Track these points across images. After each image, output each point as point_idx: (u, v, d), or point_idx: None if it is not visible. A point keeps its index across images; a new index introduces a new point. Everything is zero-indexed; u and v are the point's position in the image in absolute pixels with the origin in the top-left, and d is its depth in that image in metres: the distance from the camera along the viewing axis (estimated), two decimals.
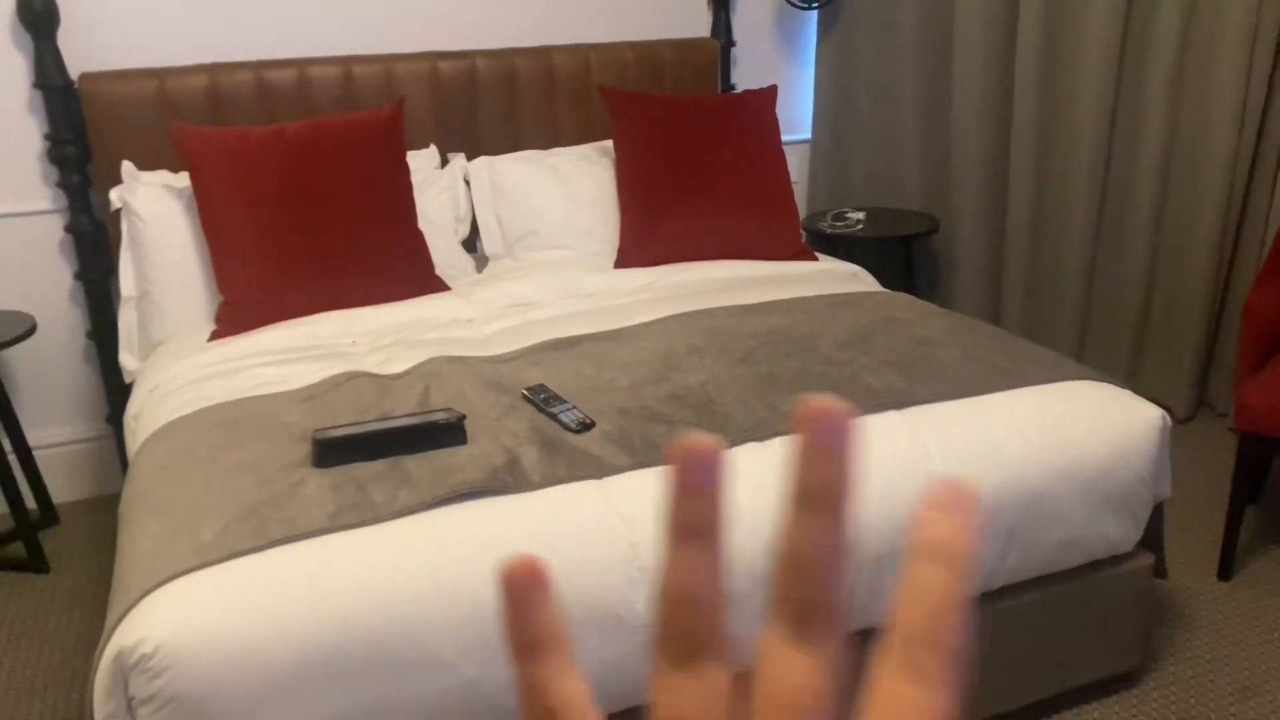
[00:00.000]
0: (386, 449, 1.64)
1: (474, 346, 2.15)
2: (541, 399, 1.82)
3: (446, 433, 1.68)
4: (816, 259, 2.67)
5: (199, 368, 2.10)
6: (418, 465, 1.59)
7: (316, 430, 1.70)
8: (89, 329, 2.78)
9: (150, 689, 1.27)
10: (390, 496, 1.50)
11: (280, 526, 1.42)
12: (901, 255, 3.29)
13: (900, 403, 1.76)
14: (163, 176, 2.49)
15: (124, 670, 1.28)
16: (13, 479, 2.49)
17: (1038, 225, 3.19)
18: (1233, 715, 1.92)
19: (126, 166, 2.47)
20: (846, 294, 2.35)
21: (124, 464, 2.88)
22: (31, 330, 2.46)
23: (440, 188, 2.65)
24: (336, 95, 2.70)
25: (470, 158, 2.78)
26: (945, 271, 3.45)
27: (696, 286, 2.46)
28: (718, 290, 2.41)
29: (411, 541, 1.43)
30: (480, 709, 1.40)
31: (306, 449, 1.69)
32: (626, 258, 2.59)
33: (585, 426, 1.71)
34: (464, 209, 2.69)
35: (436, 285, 2.45)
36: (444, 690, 1.38)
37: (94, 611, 2.35)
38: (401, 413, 1.82)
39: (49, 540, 2.70)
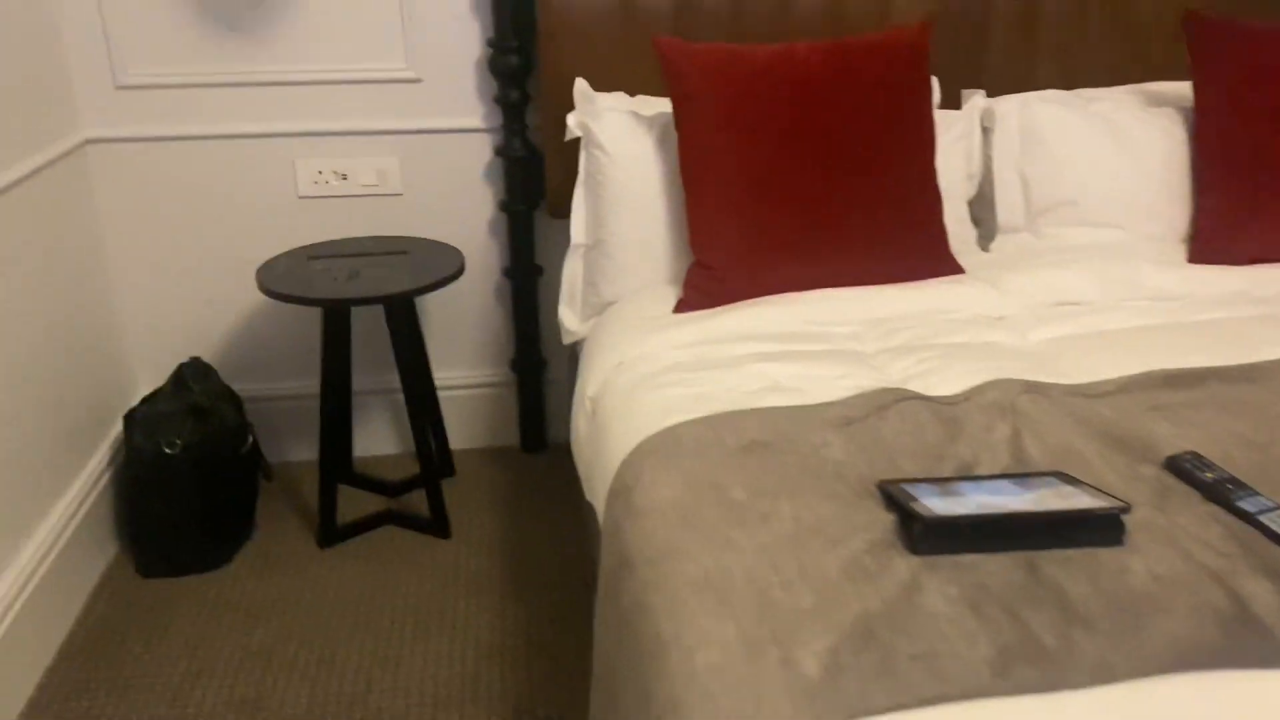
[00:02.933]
0: (1014, 539, 1.13)
1: (1028, 362, 1.59)
2: (1209, 481, 1.23)
3: (1098, 527, 1.14)
4: None
5: (674, 347, 1.68)
6: (1072, 579, 1.07)
7: (888, 484, 1.22)
8: (506, 265, 2.47)
9: None
10: (1063, 640, 0.98)
11: (921, 672, 0.94)
12: None
13: None
14: (620, 100, 2.06)
15: None
16: (424, 425, 2.22)
17: None
18: None
19: (580, 86, 2.04)
20: None
21: (523, 418, 2.59)
22: (460, 271, 2.14)
23: (954, 135, 2.06)
24: (819, 11, 2.17)
25: (987, 95, 2.17)
26: None
27: None
28: None
29: None
30: None
31: (873, 505, 1.21)
32: (1207, 250, 1.92)
33: None
34: (976, 164, 2.10)
35: (950, 266, 1.89)
36: None
37: (505, 604, 2.04)
38: (989, 467, 1.30)
39: (445, 494, 2.45)
